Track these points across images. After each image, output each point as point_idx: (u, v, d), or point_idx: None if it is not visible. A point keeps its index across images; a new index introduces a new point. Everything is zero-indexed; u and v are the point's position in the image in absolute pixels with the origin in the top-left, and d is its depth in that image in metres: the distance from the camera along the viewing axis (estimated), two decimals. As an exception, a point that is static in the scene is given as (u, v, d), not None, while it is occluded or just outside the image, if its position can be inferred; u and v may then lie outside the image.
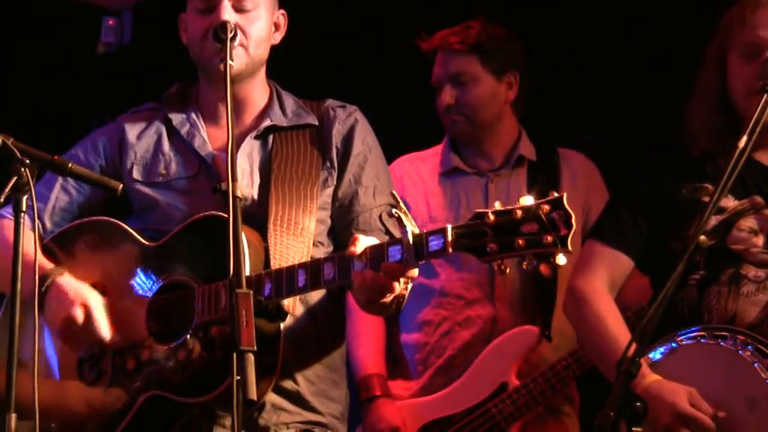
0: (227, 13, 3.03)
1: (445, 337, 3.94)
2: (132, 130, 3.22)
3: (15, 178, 2.56)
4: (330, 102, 3.23)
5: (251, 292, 2.51)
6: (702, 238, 2.77)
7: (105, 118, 4.04)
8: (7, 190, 2.56)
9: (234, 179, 2.62)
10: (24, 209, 2.57)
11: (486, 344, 3.88)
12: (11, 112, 5.41)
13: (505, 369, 3.85)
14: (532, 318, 3.90)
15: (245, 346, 2.43)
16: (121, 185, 2.85)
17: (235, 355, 2.42)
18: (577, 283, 3.19)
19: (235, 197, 2.59)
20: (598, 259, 3.15)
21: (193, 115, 3.20)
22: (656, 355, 3.00)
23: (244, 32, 3.05)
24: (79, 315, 2.93)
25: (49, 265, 3.02)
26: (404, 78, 4.85)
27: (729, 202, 3.07)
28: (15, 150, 2.58)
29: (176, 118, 3.20)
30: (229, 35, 2.94)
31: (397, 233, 3.04)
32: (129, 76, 5.94)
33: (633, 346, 2.64)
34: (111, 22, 6.12)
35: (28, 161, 2.58)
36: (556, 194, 2.50)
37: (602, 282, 3.17)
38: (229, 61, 2.87)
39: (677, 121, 3.23)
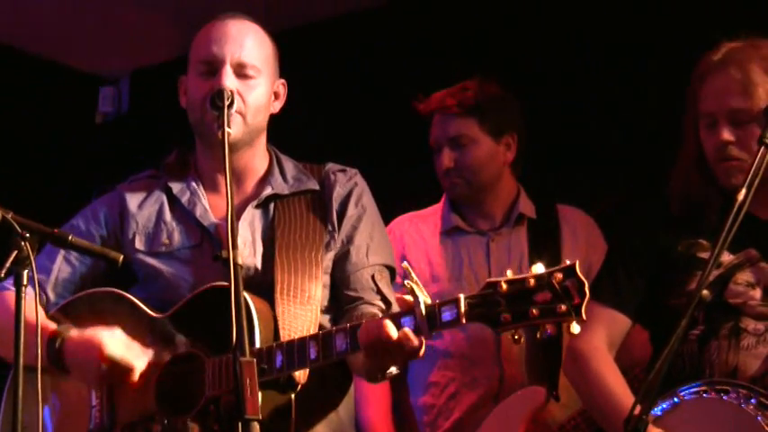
0: (228, 79, 3.03)
1: (452, 400, 3.92)
2: (133, 200, 3.21)
3: (16, 252, 2.56)
4: (331, 166, 3.23)
5: (254, 360, 2.50)
6: (705, 292, 2.77)
7: (105, 187, 4.05)
8: (8, 264, 2.56)
9: (234, 247, 2.61)
10: (26, 282, 2.56)
11: (494, 404, 3.86)
12: (9, 183, 5.42)
13: (514, 430, 3.83)
14: (539, 376, 3.88)
15: (251, 415, 2.42)
16: (122, 257, 2.83)
17: (240, 424, 2.40)
18: (577, 342, 3.19)
19: (236, 264, 2.58)
20: (596, 319, 3.14)
21: (193, 183, 3.19)
22: (659, 410, 2.99)
23: (243, 99, 3.05)
24: (103, 368, 2.88)
25: (53, 325, 2.99)
26: (402, 138, 4.88)
27: (725, 257, 3.08)
28: (15, 224, 2.58)
29: (176, 186, 3.19)
30: (226, 102, 2.94)
31: (388, 293, 3.04)
32: (128, 145, 5.98)
33: (639, 405, 2.63)
34: (108, 91, 6.16)
35: (28, 235, 2.58)
36: (568, 262, 2.52)
37: (601, 341, 3.17)
38: (227, 129, 2.88)
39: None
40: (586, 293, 2.49)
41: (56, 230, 2.74)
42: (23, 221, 2.60)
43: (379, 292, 3.05)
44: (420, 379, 3.97)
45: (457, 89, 4.08)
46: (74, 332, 2.96)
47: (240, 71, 3.06)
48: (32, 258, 2.56)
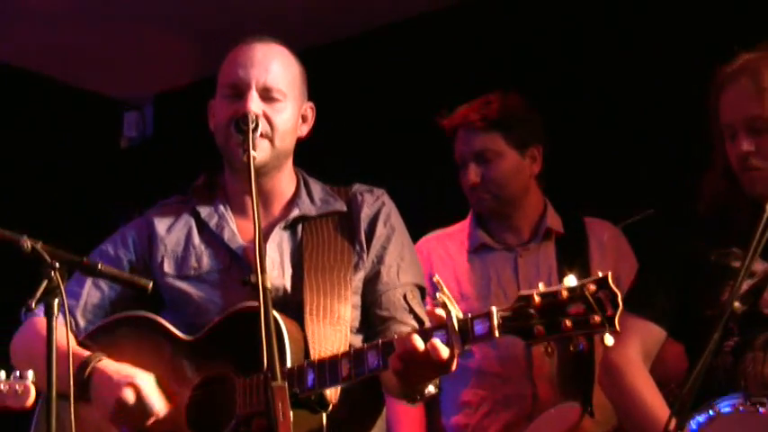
0: (254, 103, 3.04)
1: (486, 418, 3.89)
2: (161, 224, 3.21)
3: (46, 282, 2.56)
4: (357, 186, 3.23)
5: (286, 384, 2.50)
6: (737, 304, 2.75)
7: (132, 212, 4.07)
8: (38, 294, 2.55)
9: (263, 271, 2.61)
10: (56, 312, 2.56)
11: (528, 422, 3.83)
12: (35, 208, 5.46)
13: None
14: (572, 393, 3.85)
15: (283, 440, 2.43)
16: (151, 283, 2.82)
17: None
18: (611, 355, 3.17)
19: (265, 289, 2.59)
20: (630, 331, 3.12)
21: (221, 207, 3.19)
22: (694, 425, 2.96)
23: (270, 123, 3.05)
24: (130, 396, 2.88)
25: (85, 353, 3.00)
26: (426, 154, 4.88)
27: (759, 266, 3.05)
28: (45, 254, 2.58)
29: (204, 210, 3.20)
30: (251, 126, 2.94)
31: (421, 312, 3.04)
32: (154, 169, 6.00)
33: (674, 419, 2.61)
34: (133, 116, 6.20)
35: (58, 264, 2.58)
36: (601, 274, 2.51)
37: (636, 353, 3.16)
38: (252, 153, 2.88)
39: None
40: (619, 305, 2.48)
41: (85, 259, 2.75)
42: (53, 251, 2.60)
43: (411, 311, 3.04)
44: (452, 399, 3.95)
45: (480, 103, 4.05)
46: (105, 362, 2.97)
47: (266, 95, 3.06)
48: (62, 288, 2.56)
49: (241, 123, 2.96)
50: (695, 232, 3.22)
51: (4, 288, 3.25)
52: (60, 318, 2.86)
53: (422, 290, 3.16)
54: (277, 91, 3.08)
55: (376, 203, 3.18)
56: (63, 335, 2.64)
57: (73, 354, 2.79)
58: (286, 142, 3.12)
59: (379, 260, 3.11)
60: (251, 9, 5.19)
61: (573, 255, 3.96)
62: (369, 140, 5.36)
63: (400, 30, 5.43)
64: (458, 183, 4.11)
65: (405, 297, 3.08)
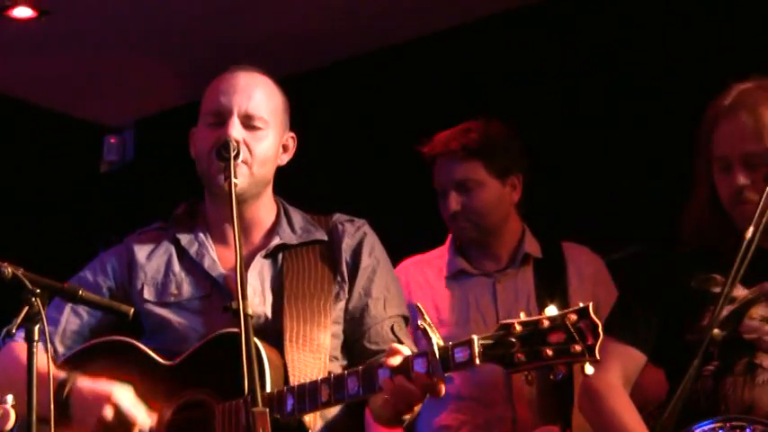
0: (236, 129, 3.05)
1: None
2: (141, 251, 3.21)
3: (27, 308, 2.55)
4: (338, 216, 3.25)
5: (267, 410, 2.50)
6: (716, 331, 2.77)
7: (111, 237, 4.06)
8: (19, 320, 2.55)
9: (244, 297, 2.63)
10: (36, 338, 2.55)
11: None
12: (13, 232, 5.44)
13: None
14: (551, 417, 3.85)
15: (265, 465, 2.43)
16: (132, 310, 2.82)
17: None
18: (591, 380, 3.18)
19: (246, 315, 2.60)
20: (611, 355, 3.14)
21: (201, 235, 3.20)
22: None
23: (249, 150, 3.06)
24: (109, 414, 2.87)
25: (62, 373, 2.98)
26: (402, 181, 4.90)
27: (739, 292, 3.07)
28: (26, 281, 2.57)
29: (184, 238, 3.20)
30: (232, 153, 2.96)
31: (408, 343, 3.04)
32: (134, 194, 5.99)
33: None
34: (113, 140, 6.20)
35: (38, 290, 2.57)
36: (582, 304, 2.53)
37: (616, 377, 3.17)
38: (234, 180, 2.90)
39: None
40: (600, 334, 2.51)
41: (66, 285, 2.74)
42: (34, 278, 2.60)
43: (400, 342, 3.02)
44: (428, 423, 3.94)
45: (460, 131, 4.03)
46: (83, 380, 2.95)
47: (247, 122, 3.08)
48: (43, 314, 2.55)
49: (222, 151, 2.97)
50: (676, 258, 3.23)
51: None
52: (39, 344, 2.87)
53: (406, 319, 3.18)
54: (258, 119, 3.09)
55: (357, 234, 3.19)
56: (42, 360, 2.62)
57: (53, 375, 2.79)
58: (265, 170, 3.13)
59: (366, 293, 3.12)
60: (233, 36, 5.21)
61: (551, 280, 3.97)
62: (346, 167, 5.38)
63: (381, 56, 5.45)
64: (436, 209, 4.12)
65: (392, 329, 3.09)
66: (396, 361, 2.69)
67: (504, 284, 4.02)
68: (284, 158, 3.21)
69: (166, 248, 3.21)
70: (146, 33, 5.35)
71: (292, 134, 3.23)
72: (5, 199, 5.74)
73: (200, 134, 3.14)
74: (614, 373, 3.16)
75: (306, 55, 5.45)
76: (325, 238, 3.19)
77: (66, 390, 2.94)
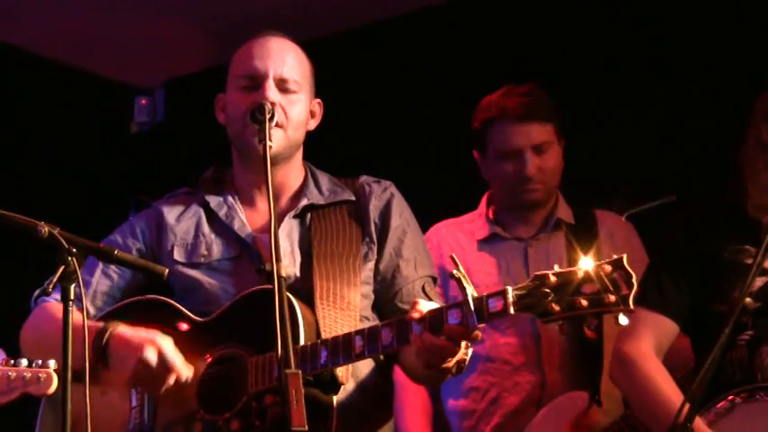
0: (272, 92, 3.07)
1: (493, 404, 3.90)
2: (171, 213, 3.23)
3: (63, 267, 2.57)
4: (365, 178, 3.27)
5: (300, 372, 2.52)
6: (748, 300, 2.77)
7: (141, 198, 4.07)
8: (55, 279, 2.57)
9: (278, 259, 2.64)
10: (72, 297, 2.57)
11: (535, 409, 3.83)
12: (45, 194, 5.47)
13: None
14: (580, 382, 3.86)
15: (297, 427, 2.45)
16: (167, 270, 2.84)
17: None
18: (624, 347, 3.19)
19: (280, 277, 2.61)
20: (643, 324, 3.14)
21: (230, 198, 3.22)
22: (713, 415, 2.98)
23: (285, 113, 3.08)
24: (152, 354, 2.88)
25: (100, 323, 3.00)
26: (428, 145, 4.88)
27: None
28: (62, 240, 2.59)
29: (213, 201, 3.22)
30: (267, 116, 2.96)
31: (438, 303, 3.05)
32: (164, 155, 6.01)
33: (684, 411, 2.63)
34: (143, 102, 6.20)
35: (75, 250, 2.59)
36: (615, 256, 2.52)
37: (649, 346, 3.17)
38: (269, 142, 2.90)
39: (718, 181, 3.23)
40: (634, 285, 2.50)
41: (101, 245, 2.76)
42: (70, 237, 2.61)
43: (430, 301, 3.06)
44: (458, 384, 3.95)
45: (524, 94, 4.00)
46: (124, 327, 2.97)
47: (282, 86, 3.11)
48: (79, 273, 2.57)
49: (257, 113, 2.98)
50: (709, 228, 3.22)
51: (11, 279, 3.25)
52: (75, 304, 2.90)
53: (434, 280, 3.21)
54: (293, 82, 3.12)
55: (385, 194, 3.21)
56: (78, 317, 2.62)
57: (88, 326, 2.78)
58: (298, 134, 3.16)
59: (398, 253, 3.14)
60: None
61: (582, 245, 3.93)
62: (373, 133, 5.36)
63: (409, 22, 5.42)
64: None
65: (423, 289, 3.11)
66: (422, 308, 2.70)
67: (535, 249, 4.02)
68: (312, 124, 3.24)
69: (195, 211, 3.23)
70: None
71: (319, 101, 3.26)
72: (37, 160, 5.77)
73: (233, 98, 3.16)
74: (646, 341, 3.17)
75: (339, 16, 5.43)
76: (353, 198, 3.21)
77: (107, 336, 2.95)
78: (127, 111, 6.22)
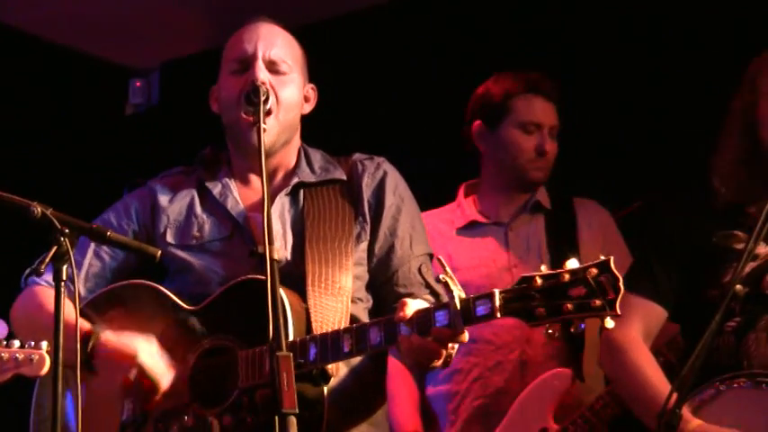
0: (262, 72, 3.07)
1: (476, 383, 3.93)
2: (164, 194, 3.23)
3: (55, 248, 2.57)
4: (357, 155, 3.25)
5: (291, 354, 2.53)
6: (739, 286, 2.77)
7: (136, 180, 4.05)
8: (47, 259, 2.57)
9: (271, 242, 2.64)
10: (64, 278, 2.57)
11: (518, 388, 3.87)
12: (39, 174, 5.46)
13: (543, 414, 3.84)
14: (562, 360, 3.89)
15: (288, 409, 2.46)
16: (159, 252, 2.85)
17: (277, 418, 2.43)
18: (613, 334, 3.20)
19: (272, 260, 2.61)
20: (632, 310, 3.15)
21: (225, 178, 3.21)
22: (697, 401, 2.99)
23: (275, 95, 3.07)
24: (133, 374, 2.91)
25: (86, 325, 3.00)
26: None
27: (762, 249, 3.07)
28: (55, 220, 2.59)
29: (209, 180, 3.22)
30: (262, 98, 2.96)
31: (435, 285, 3.05)
32: (158, 137, 6.00)
33: (673, 397, 2.64)
34: (138, 84, 6.19)
35: (67, 230, 2.59)
36: (603, 257, 2.53)
37: (637, 332, 3.19)
38: (263, 125, 2.90)
39: (704, 170, 3.24)
40: (621, 289, 2.50)
41: (94, 225, 2.76)
42: (63, 217, 2.61)
43: (427, 286, 3.06)
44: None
45: (541, 76, 4.07)
46: (108, 334, 2.97)
47: (272, 67, 3.10)
48: (71, 254, 2.57)
49: (252, 95, 2.98)
50: (697, 213, 3.23)
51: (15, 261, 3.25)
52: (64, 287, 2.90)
53: (431, 256, 3.17)
54: (282, 62, 3.12)
55: (378, 172, 3.19)
56: (68, 306, 2.63)
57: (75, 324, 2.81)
58: (290, 116, 3.14)
59: (392, 233, 3.12)
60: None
61: (562, 231, 4.01)
62: (366, 114, 5.36)
63: (382, 10, 5.42)
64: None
65: (420, 270, 3.09)
66: (408, 312, 2.70)
67: (516, 232, 4.06)
68: (307, 108, 3.23)
69: (189, 191, 3.22)
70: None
71: (312, 86, 3.25)
72: (31, 141, 5.76)
73: (225, 83, 3.16)
74: (635, 327, 3.18)
75: (334, 1, 5.42)
76: (344, 177, 3.19)
77: (91, 345, 2.95)
78: (122, 92, 6.21)
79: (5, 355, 2.75)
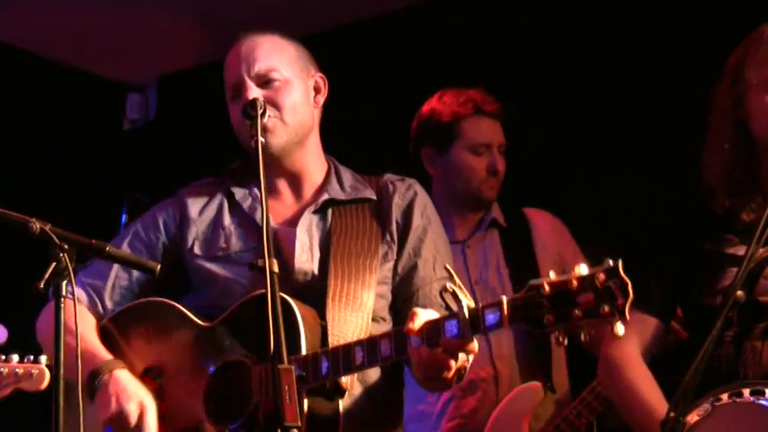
0: (252, 92, 3.08)
1: (450, 405, 3.94)
2: (193, 206, 3.23)
3: (54, 264, 2.57)
4: (388, 176, 3.25)
5: (292, 367, 2.52)
6: (739, 293, 2.76)
7: (134, 195, 4.05)
8: (47, 276, 2.56)
9: (270, 255, 2.65)
10: (65, 294, 2.57)
11: (492, 405, 3.88)
12: (37, 191, 5.46)
13: (517, 428, 3.84)
14: (532, 373, 3.91)
15: (290, 422, 2.46)
16: (159, 266, 2.83)
17: (280, 431, 2.43)
18: (609, 350, 3.17)
19: (272, 273, 2.62)
20: (628, 326, 3.10)
21: (255, 190, 3.20)
22: (694, 415, 2.97)
23: (275, 105, 3.08)
24: (134, 412, 2.92)
25: (107, 355, 3.03)
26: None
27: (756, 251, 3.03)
28: (53, 236, 2.59)
29: (239, 192, 3.22)
30: (259, 111, 2.97)
31: (457, 291, 3.04)
32: (156, 152, 6.00)
33: (675, 406, 2.63)
34: (135, 99, 6.20)
35: (66, 246, 2.59)
36: (611, 263, 2.51)
37: (635, 347, 3.14)
38: (260, 138, 2.90)
39: (692, 176, 3.22)
40: (630, 293, 2.48)
41: (93, 241, 2.75)
42: (62, 233, 2.61)
43: (447, 308, 3.02)
44: (415, 389, 3.95)
45: (483, 94, 4.13)
46: (121, 374, 2.98)
47: (260, 81, 3.12)
48: (71, 270, 2.57)
49: (249, 109, 2.99)
50: (685, 220, 3.19)
51: (18, 272, 3.24)
52: (84, 297, 3.03)
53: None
54: (270, 71, 3.13)
55: (408, 193, 3.19)
56: (87, 325, 2.63)
57: (92, 351, 2.92)
58: (298, 116, 3.14)
59: (416, 253, 3.12)
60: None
61: (517, 242, 4.08)
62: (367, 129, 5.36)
63: (391, 19, 5.44)
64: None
65: (441, 293, 3.07)
66: (417, 322, 2.69)
67: (473, 249, 4.12)
68: (319, 100, 3.23)
69: (218, 202, 3.23)
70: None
71: (321, 75, 3.25)
72: (28, 157, 5.76)
73: (231, 111, 3.18)
74: (632, 343, 3.13)
75: (329, 12, 5.42)
76: (374, 197, 3.19)
77: (104, 375, 2.97)
78: (119, 108, 6.21)
79: (5, 370, 2.74)
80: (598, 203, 4.63)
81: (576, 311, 2.49)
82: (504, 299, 2.57)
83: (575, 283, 2.51)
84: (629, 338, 3.11)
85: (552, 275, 2.55)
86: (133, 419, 2.91)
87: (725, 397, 2.90)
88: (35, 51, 5.80)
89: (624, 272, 3.23)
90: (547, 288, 2.53)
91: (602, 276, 2.49)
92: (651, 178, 4.40)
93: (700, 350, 2.67)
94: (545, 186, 4.73)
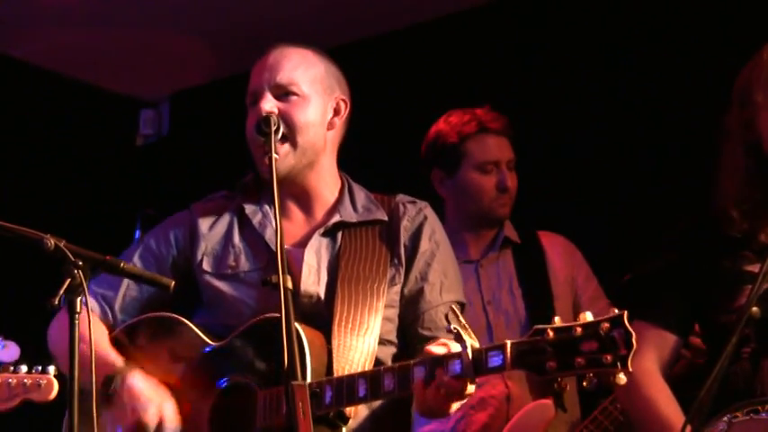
0: (268, 103, 3.05)
1: (461, 422, 3.92)
2: (204, 221, 3.20)
3: (69, 280, 2.57)
4: (401, 197, 3.22)
5: (306, 383, 2.52)
6: (755, 309, 2.75)
7: (147, 211, 4.05)
8: (61, 292, 2.56)
9: (284, 272, 2.64)
10: (79, 310, 2.57)
11: (503, 423, 3.87)
12: (51, 206, 5.48)
13: None
14: (544, 391, 3.88)
15: (304, 439, 2.45)
16: (173, 283, 2.82)
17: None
18: None
19: (286, 290, 2.61)
20: (645, 341, 3.10)
21: (266, 206, 3.18)
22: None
23: (287, 121, 3.05)
24: (153, 419, 2.91)
25: (120, 362, 3.02)
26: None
27: None
28: (68, 253, 2.59)
29: (249, 208, 3.19)
30: (273, 128, 2.96)
31: (461, 332, 3.03)
32: (169, 168, 6.01)
33: (690, 424, 2.62)
34: (149, 114, 6.22)
35: (81, 263, 2.59)
36: (617, 311, 2.50)
37: (652, 362, 3.13)
38: (275, 155, 2.90)
39: (708, 194, 3.21)
40: (633, 344, 2.47)
41: (108, 257, 2.76)
42: (76, 249, 2.61)
43: (450, 332, 3.02)
44: None
45: (490, 111, 4.13)
46: (136, 378, 2.98)
47: (279, 93, 3.09)
48: (85, 286, 2.57)
49: (262, 125, 2.98)
50: (704, 238, 3.18)
51: (27, 285, 3.25)
52: (97, 308, 3.02)
53: (462, 305, 3.15)
54: (290, 87, 3.09)
55: (418, 216, 3.16)
56: (96, 332, 2.63)
57: (105, 358, 2.90)
58: (310, 136, 3.10)
59: (423, 277, 3.10)
60: (270, 11, 5.20)
61: (530, 264, 4.06)
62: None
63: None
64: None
65: (447, 317, 3.06)
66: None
67: (486, 269, 4.10)
68: (336, 122, 3.18)
69: (229, 218, 3.20)
70: (183, 7, 5.36)
71: (344, 97, 3.19)
72: (42, 172, 5.78)
73: (248, 118, 3.14)
74: (649, 358, 3.12)
75: (341, 29, 5.43)
76: (386, 218, 3.16)
77: (118, 380, 2.97)
78: (132, 124, 6.23)
79: (13, 381, 2.74)
80: (613, 222, 4.62)
81: (579, 359, 2.48)
82: (509, 343, 2.57)
83: (579, 330, 2.50)
84: (646, 353, 3.10)
85: (557, 320, 2.55)
86: (152, 425, 2.90)
87: (741, 414, 2.89)
88: (49, 68, 5.83)
89: (646, 285, 3.27)
90: (551, 334, 2.52)
91: (606, 325, 2.48)
92: (669, 196, 4.38)
93: (713, 368, 2.66)
94: (559, 206, 4.72)
